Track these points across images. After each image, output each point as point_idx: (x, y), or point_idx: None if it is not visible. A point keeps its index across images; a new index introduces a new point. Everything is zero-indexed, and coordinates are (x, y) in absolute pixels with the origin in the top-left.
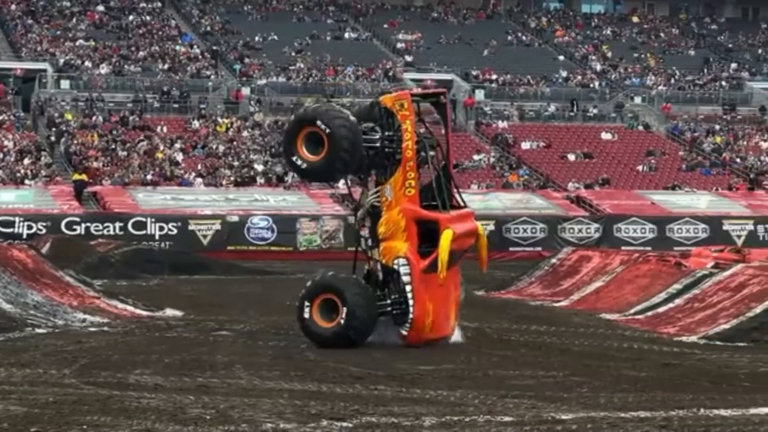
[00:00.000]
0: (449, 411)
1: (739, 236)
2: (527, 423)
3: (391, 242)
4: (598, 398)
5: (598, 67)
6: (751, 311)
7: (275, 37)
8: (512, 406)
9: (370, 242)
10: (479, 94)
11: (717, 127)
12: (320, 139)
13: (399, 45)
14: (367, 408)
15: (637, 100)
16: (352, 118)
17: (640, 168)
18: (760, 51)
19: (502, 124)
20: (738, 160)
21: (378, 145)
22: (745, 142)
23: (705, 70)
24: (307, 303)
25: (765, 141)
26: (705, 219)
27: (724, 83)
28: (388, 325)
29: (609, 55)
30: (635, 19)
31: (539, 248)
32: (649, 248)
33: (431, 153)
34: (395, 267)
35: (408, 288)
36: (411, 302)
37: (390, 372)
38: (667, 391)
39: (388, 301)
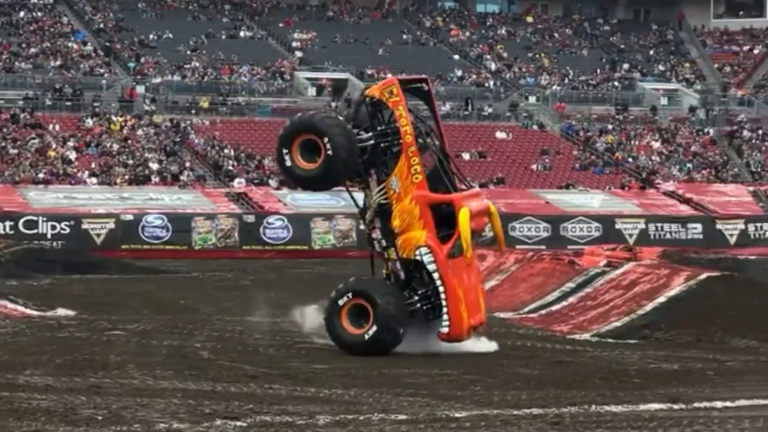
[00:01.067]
0: (344, 410)
1: (631, 235)
2: (421, 421)
3: (409, 233)
4: (491, 396)
5: (493, 67)
6: (641, 309)
7: (170, 35)
8: (406, 404)
9: (384, 243)
10: None
11: (610, 126)
12: (316, 147)
13: (294, 44)
14: (261, 407)
15: (532, 99)
16: (346, 123)
17: (534, 167)
18: (651, 52)
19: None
20: (630, 159)
21: (372, 143)
22: (636, 142)
23: (598, 71)
24: (335, 310)
25: (656, 141)
26: (598, 218)
27: (616, 83)
28: (424, 330)
29: (504, 54)
30: (529, 19)
31: None
32: (543, 247)
33: (427, 139)
34: (417, 257)
35: (436, 275)
36: (441, 290)
37: (285, 371)
38: (559, 389)
39: (416, 298)
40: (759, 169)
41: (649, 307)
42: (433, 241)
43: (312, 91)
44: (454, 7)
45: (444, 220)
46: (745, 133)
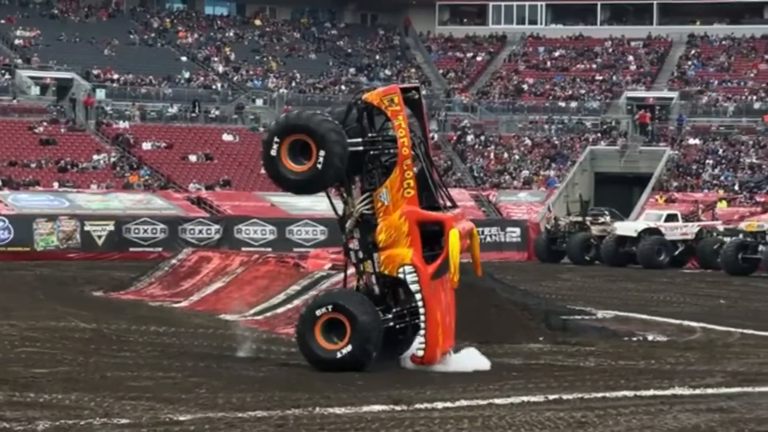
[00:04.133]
0: (64, 415)
1: None
2: (144, 425)
3: (394, 249)
4: (216, 399)
5: (221, 69)
6: None
7: None
8: (129, 408)
9: (361, 255)
10: (100, 94)
11: None
12: (306, 148)
13: (17, 41)
14: None
15: (259, 102)
16: (337, 122)
17: (262, 170)
18: (377, 57)
19: (123, 124)
20: None
21: (360, 149)
22: None
23: (325, 74)
24: (309, 324)
25: None
26: (323, 221)
27: (343, 87)
28: (395, 350)
29: (232, 57)
30: (258, 23)
31: (160, 249)
32: (269, 249)
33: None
34: (401, 275)
35: (418, 296)
36: (422, 312)
37: (2, 375)
38: (284, 391)
39: (390, 316)
40: (481, 174)
41: None
42: (419, 261)
43: (35, 90)
44: (182, 8)
45: (427, 239)
46: (469, 138)
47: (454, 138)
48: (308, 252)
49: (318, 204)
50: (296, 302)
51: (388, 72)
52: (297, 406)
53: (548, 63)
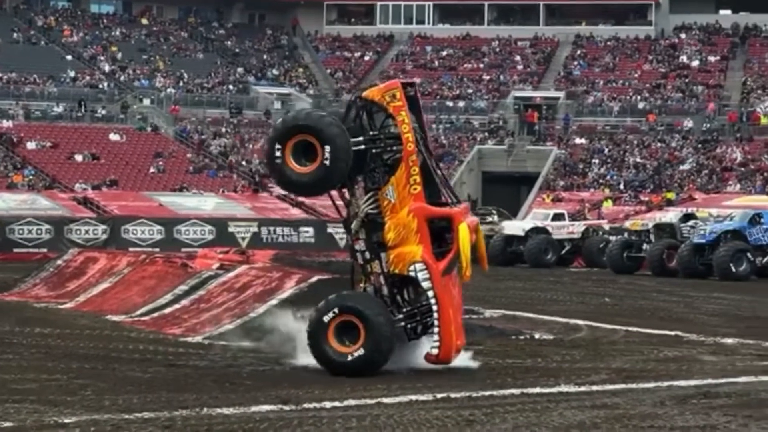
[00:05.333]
0: None
1: (243, 238)
2: (29, 428)
3: (403, 248)
4: (102, 400)
5: (107, 68)
6: (254, 311)
7: None
8: (13, 411)
9: (368, 255)
10: None
11: (224, 129)
12: (311, 148)
13: None
14: None
15: (146, 101)
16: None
17: (150, 169)
18: (265, 57)
19: (7, 124)
20: (244, 162)
21: (362, 147)
22: (251, 146)
23: (213, 74)
24: (321, 327)
25: None
26: (211, 221)
27: (231, 87)
28: (409, 349)
29: (119, 56)
30: (144, 21)
31: (45, 249)
32: (157, 249)
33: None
34: (411, 274)
35: (431, 294)
36: (435, 309)
37: None
38: (171, 392)
39: (400, 316)
40: None
41: (262, 309)
42: (430, 258)
43: None
44: (67, 6)
45: (434, 235)
46: None
47: None
48: (196, 252)
49: (205, 204)
50: (183, 302)
51: (275, 72)
52: (185, 407)
53: (436, 62)
